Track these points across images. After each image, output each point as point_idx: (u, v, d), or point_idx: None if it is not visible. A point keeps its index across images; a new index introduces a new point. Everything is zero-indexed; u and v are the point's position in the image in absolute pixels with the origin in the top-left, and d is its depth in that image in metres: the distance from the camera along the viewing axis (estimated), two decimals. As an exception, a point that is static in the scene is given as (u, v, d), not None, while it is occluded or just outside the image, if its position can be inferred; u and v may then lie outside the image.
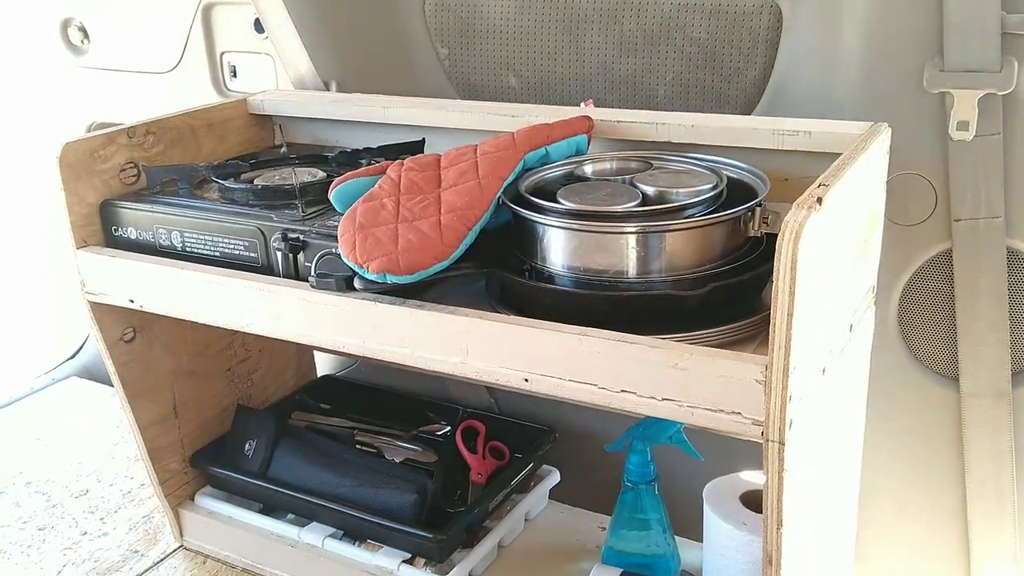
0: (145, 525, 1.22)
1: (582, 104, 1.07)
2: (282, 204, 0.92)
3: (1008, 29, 0.88)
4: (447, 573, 1.00)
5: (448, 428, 1.20)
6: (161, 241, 0.94)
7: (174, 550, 1.16)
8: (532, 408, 1.23)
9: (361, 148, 1.03)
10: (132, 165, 1.01)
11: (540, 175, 0.86)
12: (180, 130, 1.06)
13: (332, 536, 1.06)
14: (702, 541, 0.96)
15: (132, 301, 0.93)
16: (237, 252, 0.89)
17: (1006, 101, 0.90)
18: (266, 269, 0.88)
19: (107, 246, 0.97)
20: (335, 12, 1.22)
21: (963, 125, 0.91)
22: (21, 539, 1.21)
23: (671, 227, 0.73)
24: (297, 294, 0.81)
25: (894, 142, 0.84)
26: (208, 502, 1.15)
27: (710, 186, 0.78)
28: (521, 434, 1.18)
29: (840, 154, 0.74)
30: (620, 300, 0.73)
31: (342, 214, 0.80)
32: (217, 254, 0.91)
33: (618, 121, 0.91)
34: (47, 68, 1.52)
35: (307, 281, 0.81)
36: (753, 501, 0.92)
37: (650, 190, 0.79)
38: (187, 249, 0.93)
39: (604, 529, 1.08)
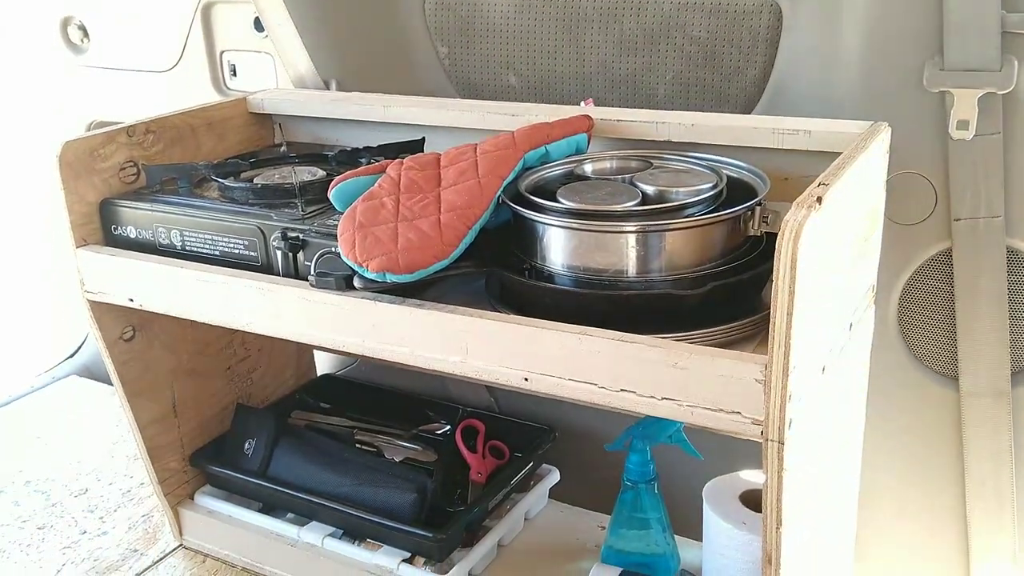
0: (144, 524, 1.22)
1: (582, 103, 1.07)
2: (282, 203, 0.92)
3: (1008, 28, 0.88)
4: (447, 572, 1.00)
5: (448, 427, 1.20)
6: (161, 240, 0.94)
7: (173, 549, 1.16)
8: (532, 407, 1.23)
9: (361, 147, 1.03)
10: (132, 164, 1.01)
11: (540, 174, 0.86)
12: (180, 129, 1.06)
13: (332, 535, 1.06)
14: (702, 540, 0.96)
15: (132, 300, 0.93)
16: (237, 251, 0.89)
17: (1006, 100, 0.90)
18: (266, 268, 0.88)
19: (107, 245, 0.97)
20: (335, 11, 1.22)
21: (963, 124, 0.91)
22: (20, 538, 1.21)
23: (671, 226, 0.73)
24: (297, 293, 0.81)
25: (894, 141, 0.84)
26: (208, 501, 1.15)
27: (710, 185, 0.78)
28: (521, 433, 1.18)
29: (840, 153, 0.74)
30: (620, 299, 0.73)
31: (342, 213, 0.80)
32: (217, 253, 0.91)
33: (618, 120, 0.91)
34: (47, 67, 1.51)
35: (307, 280, 0.81)
36: (753, 500, 0.92)
37: (650, 189, 0.79)
38: (187, 248, 0.93)
39: (604, 528, 1.08)
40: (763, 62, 1.03)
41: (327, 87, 1.22)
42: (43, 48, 1.50)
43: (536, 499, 1.16)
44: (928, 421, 1.03)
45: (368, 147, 1.02)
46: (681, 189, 0.78)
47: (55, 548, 1.18)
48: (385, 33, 1.22)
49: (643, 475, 0.99)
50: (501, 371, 0.72)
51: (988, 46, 0.88)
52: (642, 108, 1.05)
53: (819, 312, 0.65)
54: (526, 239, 0.78)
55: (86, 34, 1.46)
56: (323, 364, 1.40)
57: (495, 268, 0.78)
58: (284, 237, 0.85)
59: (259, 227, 0.87)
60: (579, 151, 0.89)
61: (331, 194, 0.84)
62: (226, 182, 0.96)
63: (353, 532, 1.07)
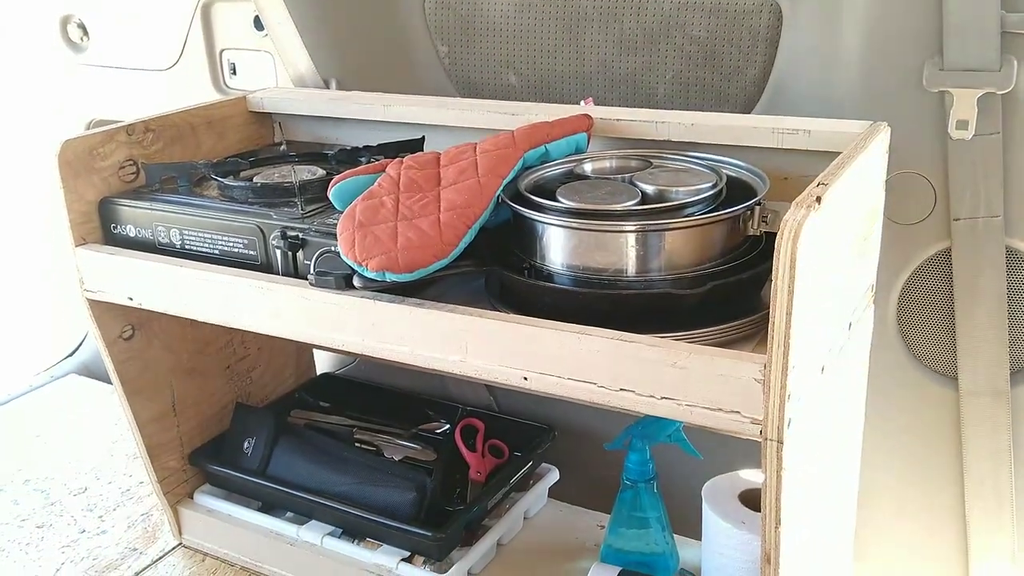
0: (144, 523, 1.22)
1: (582, 102, 1.07)
2: (281, 202, 0.92)
3: (1008, 28, 0.88)
4: (446, 571, 1.00)
5: (447, 426, 1.20)
6: (160, 239, 0.94)
7: (173, 548, 1.16)
8: (531, 406, 1.23)
9: (361, 146, 1.03)
10: (131, 162, 1.01)
11: (540, 173, 0.86)
12: (179, 127, 1.06)
13: (331, 534, 1.06)
14: (701, 540, 0.96)
15: (131, 299, 0.93)
16: (236, 250, 0.89)
17: (1005, 100, 0.90)
18: (265, 267, 0.88)
19: (106, 244, 0.97)
20: (335, 10, 1.22)
21: (962, 124, 0.91)
22: (19, 537, 1.21)
23: (670, 226, 0.73)
24: (296, 292, 0.81)
25: (893, 141, 0.84)
26: (207, 500, 1.15)
27: (709, 185, 0.78)
28: (520, 432, 1.18)
29: (839, 153, 0.74)
30: (619, 299, 0.73)
31: (341, 212, 0.80)
32: (216, 252, 0.91)
33: (618, 119, 0.91)
34: (47, 65, 1.51)
35: (306, 279, 0.81)
36: (752, 500, 0.92)
37: (650, 189, 0.79)
38: (186, 247, 0.93)
39: (603, 527, 1.08)
40: (763, 62, 1.03)
41: (327, 86, 1.22)
42: (43, 47, 1.49)
43: (535, 498, 1.16)
44: (927, 420, 1.04)
45: (368, 146, 1.02)
46: (681, 188, 0.78)
47: (54, 547, 1.18)
48: (385, 32, 1.22)
49: (642, 474, 0.99)
50: (500, 370, 0.72)
51: (988, 46, 0.88)
52: (642, 107, 1.05)
53: (818, 312, 0.66)
54: (526, 238, 0.78)
55: (86, 32, 1.46)
56: (323, 363, 1.40)
57: (495, 267, 0.78)
58: (284, 236, 0.85)
59: (259, 226, 0.87)
60: (579, 150, 0.89)
61: (331, 193, 0.84)
62: (226, 181, 0.96)
63: (352, 531, 1.07)
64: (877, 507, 1.08)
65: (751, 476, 0.96)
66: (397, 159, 0.87)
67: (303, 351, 1.35)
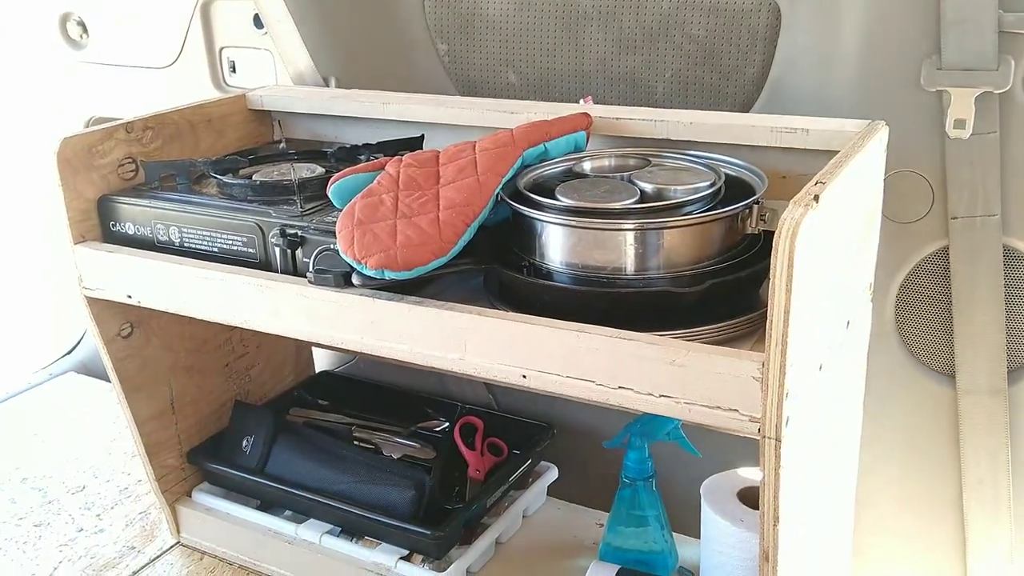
0: (142, 521, 1.22)
1: (581, 101, 1.07)
2: (281, 200, 0.92)
3: (1005, 27, 0.88)
4: (445, 570, 1.00)
5: (446, 424, 1.20)
6: (159, 237, 0.94)
7: (171, 546, 1.16)
8: (530, 404, 1.23)
9: (360, 144, 1.03)
10: (130, 160, 1.01)
11: (539, 172, 0.86)
12: (179, 125, 1.06)
13: (330, 532, 1.07)
14: (700, 537, 0.96)
15: (130, 297, 0.93)
16: (235, 248, 0.89)
17: (1003, 99, 0.90)
18: (264, 265, 0.88)
19: (105, 241, 0.97)
20: (335, 8, 1.22)
21: (960, 123, 0.92)
22: (17, 535, 1.21)
23: (669, 224, 0.73)
24: (295, 290, 0.81)
25: (891, 140, 0.84)
26: (205, 498, 1.15)
27: (708, 183, 0.78)
28: (519, 430, 1.18)
29: (838, 152, 0.74)
30: (618, 297, 0.73)
31: (340, 210, 0.80)
32: (215, 250, 0.91)
33: (617, 118, 0.92)
34: (46, 63, 1.51)
35: (305, 277, 0.81)
36: (750, 497, 0.92)
37: (648, 187, 0.79)
38: (185, 245, 0.93)
39: (602, 526, 1.09)
40: (761, 61, 1.03)
41: (326, 84, 1.22)
42: (42, 44, 1.49)
43: (534, 496, 1.16)
44: (925, 418, 1.04)
45: (367, 144, 1.02)
46: (679, 187, 0.78)
47: (52, 546, 1.18)
48: (385, 30, 1.22)
49: (641, 472, 0.99)
50: (499, 368, 0.72)
51: (985, 45, 0.88)
52: (641, 106, 1.05)
53: (816, 310, 0.66)
54: (525, 236, 0.78)
55: (85, 30, 1.46)
56: (321, 361, 1.40)
57: (494, 265, 0.78)
58: (283, 234, 0.85)
59: (258, 224, 0.87)
60: (578, 149, 0.89)
61: (330, 191, 0.84)
62: (225, 179, 0.96)
63: (351, 529, 1.07)
64: (875, 504, 1.09)
65: (749, 474, 0.96)
66: (396, 157, 0.87)
67: (302, 349, 1.35)
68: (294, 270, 0.85)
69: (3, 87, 1.60)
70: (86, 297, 0.96)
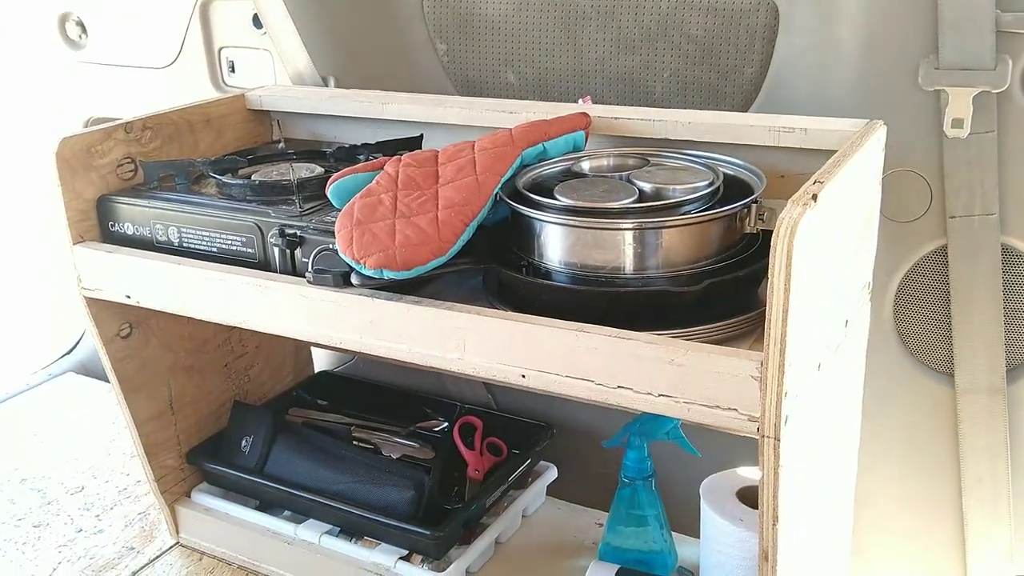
0: (141, 522, 1.22)
1: (580, 100, 1.07)
2: (279, 200, 0.92)
3: (1002, 27, 0.88)
4: (444, 570, 1.00)
5: (445, 424, 1.20)
6: (158, 237, 0.94)
7: (170, 547, 1.16)
8: (529, 404, 1.23)
9: (359, 144, 1.03)
10: (129, 160, 1.01)
11: (537, 171, 0.86)
12: (177, 125, 1.06)
13: (329, 533, 1.07)
14: (699, 537, 0.96)
15: (129, 297, 0.93)
16: (234, 248, 0.89)
17: (1000, 99, 0.91)
18: (263, 265, 0.88)
19: (104, 242, 0.97)
20: (334, 8, 1.22)
21: (958, 122, 0.92)
22: (16, 536, 1.21)
23: (667, 223, 0.73)
24: (294, 290, 0.81)
25: (889, 139, 0.84)
26: (204, 499, 1.15)
27: (706, 183, 0.79)
28: (518, 430, 1.18)
29: (836, 151, 0.74)
30: (617, 296, 0.73)
31: (339, 210, 0.80)
32: (214, 250, 0.91)
33: (615, 118, 0.92)
34: (45, 63, 1.51)
35: (304, 277, 0.81)
36: (750, 497, 0.92)
37: (647, 187, 0.79)
38: (184, 245, 0.93)
39: (601, 525, 1.09)
40: (760, 60, 1.03)
41: (325, 84, 1.22)
42: (41, 44, 1.49)
43: (534, 496, 1.16)
44: (924, 417, 1.04)
45: (366, 144, 1.02)
46: (678, 186, 0.78)
47: (51, 546, 1.18)
48: (384, 30, 1.23)
49: (640, 472, 0.99)
50: (499, 368, 0.73)
51: (983, 45, 0.89)
52: (639, 106, 1.05)
53: (815, 309, 0.66)
54: (524, 236, 0.79)
55: (84, 30, 1.46)
56: (320, 361, 1.40)
57: (493, 265, 0.78)
58: (282, 234, 0.85)
59: (257, 224, 0.87)
60: (576, 148, 0.89)
61: (329, 191, 0.84)
62: (224, 179, 0.96)
63: (350, 530, 1.07)
64: (874, 503, 1.09)
65: (749, 473, 0.96)
66: (395, 157, 0.87)
67: (301, 349, 1.35)
68: (293, 270, 0.85)
69: (2, 87, 1.60)
70: (85, 297, 0.96)
